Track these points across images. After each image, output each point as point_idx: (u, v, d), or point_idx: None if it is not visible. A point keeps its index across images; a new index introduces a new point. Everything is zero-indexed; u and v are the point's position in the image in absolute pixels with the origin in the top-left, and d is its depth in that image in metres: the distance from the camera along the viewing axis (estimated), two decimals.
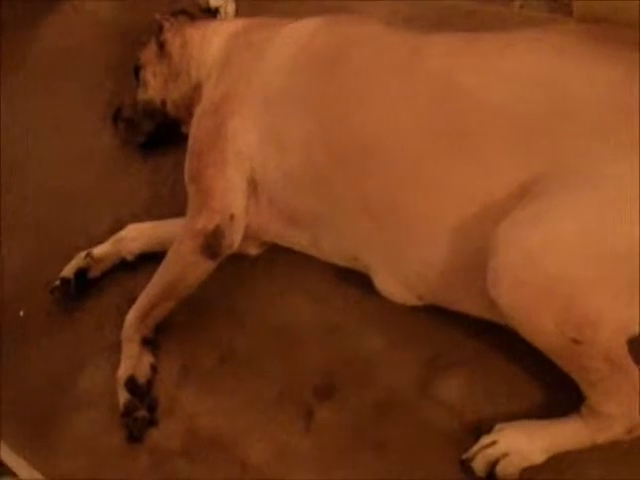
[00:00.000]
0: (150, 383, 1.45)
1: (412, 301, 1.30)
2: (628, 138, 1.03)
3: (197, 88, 1.56)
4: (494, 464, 1.18)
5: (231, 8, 1.93)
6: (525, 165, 1.09)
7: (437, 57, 1.22)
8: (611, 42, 1.15)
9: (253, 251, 1.52)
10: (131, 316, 1.45)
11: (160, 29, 1.67)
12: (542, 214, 1.05)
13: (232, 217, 1.36)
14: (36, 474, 1.41)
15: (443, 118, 1.17)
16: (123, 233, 1.62)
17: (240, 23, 1.57)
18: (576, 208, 1.03)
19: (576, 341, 1.04)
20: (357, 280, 1.38)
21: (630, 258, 1.01)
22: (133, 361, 1.44)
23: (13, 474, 1.41)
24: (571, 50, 1.15)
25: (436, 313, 1.31)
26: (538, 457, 1.17)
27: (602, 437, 1.13)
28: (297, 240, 1.41)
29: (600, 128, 1.06)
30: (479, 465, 1.19)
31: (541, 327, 1.05)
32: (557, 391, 1.22)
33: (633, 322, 1.08)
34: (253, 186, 1.38)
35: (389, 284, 1.29)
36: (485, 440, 1.20)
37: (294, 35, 1.40)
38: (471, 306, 1.23)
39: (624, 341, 1.07)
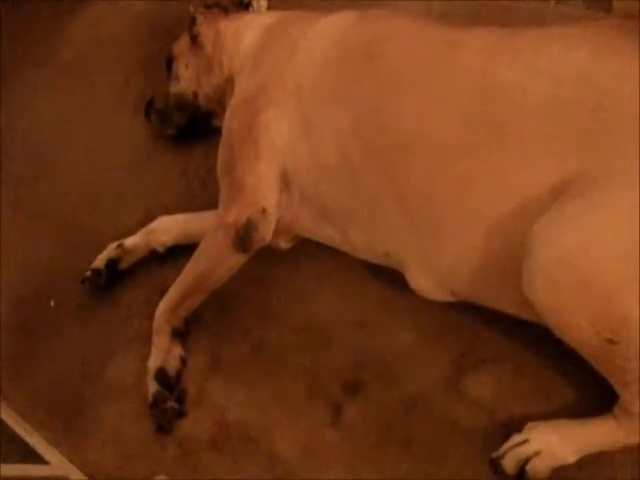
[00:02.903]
0: (179, 375, 1.46)
1: (445, 297, 1.29)
2: None
3: (230, 81, 1.57)
4: (524, 463, 1.18)
5: (264, 2, 1.92)
6: (562, 163, 1.08)
7: (473, 52, 1.21)
8: None
9: (284, 245, 1.51)
10: (162, 308, 1.46)
11: (193, 22, 1.67)
12: (579, 213, 1.03)
13: (264, 211, 1.36)
14: (66, 463, 1.43)
15: (480, 114, 1.16)
16: (154, 225, 1.63)
17: (274, 16, 1.57)
18: (612, 207, 1.02)
19: (612, 341, 1.03)
20: (387, 276, 1.37)
21: None
22: (163, 352, 1.45)
23: (42, 461, 1.43)
24: (609, 46, 1.13)
25: (466, 310, 1.31)
26: (570, 457, 1.16)
27: (634, 439, 1.12)
28: (328, 235, 1.41)
29: (638, 125, 1.04)
30: (509, 464, 1.19)
31: (576, 327, 1.04)
32: (589, 391, 1.22)
33: None
34: (285, 180, 1.38)
35: (422, 280, 1.28)
36: (516, 438, 1.20)
37: (328, 29, 1.39)
38: (504, 303, 1.22)
39: None
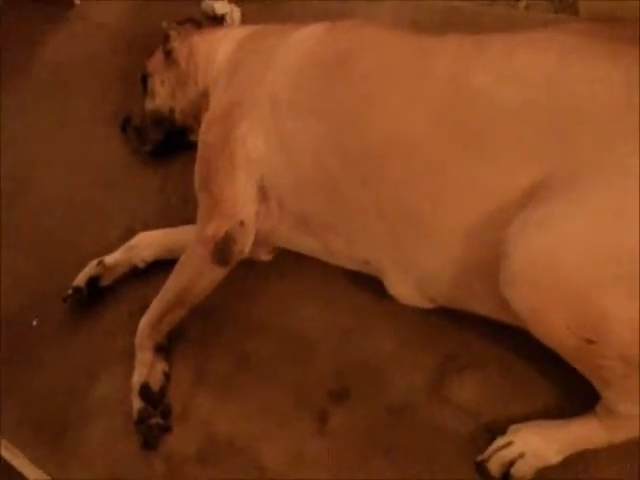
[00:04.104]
0: (164, 390, 1.45)
1: (425, 304, 1.30)
2: (637, 136, 1.03)
3: (205, 95, 1.57)
4: (509, 465, 1.18)
5: (237, 15, 1.93)
6: (536, 166, 1.09)
7: (446, 59, 1.22)
8: (618, 40, 1.14)
9: (264, 257, 1.52)
10: (143, 323, 1.46)
11: (167, 38, 1.68)
12: (554, 215, 1.04)
13: (242, 223, 1.37)
14: None
15: (454, 120, 1.17)
16: (134, 241, 1.63)
17: (247, 30, 1.58)
18: (587, 208, 1.03)
19: (590, 341, 1.04)
20: (369, 284, 1.38)
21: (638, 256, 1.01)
22: (146, 368, 1.44)
23: None
24: (579, 49, 1.14)
25: (448, 315, 1.32)
26: (554, 457, 1.17)
27: (618, 436, 1.13)
28: (308, 245, 1.41)
29: (610, 127, 1.06)
30: (494, 466, 1.19)
31: (555, 328, 1.05)
32: (571, 391, 1.22)
33: None
34: (263, 192, 1.38)
35: (401, 287, 1.29)
36: (500, 441, 1.20)
37: (301, 41, 1.40)
38: (484, 308, 1.23)
39: (638, 340, 1.07)
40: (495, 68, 1.17)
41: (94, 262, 1.63)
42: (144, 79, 1.74)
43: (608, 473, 1.17)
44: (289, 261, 1.51)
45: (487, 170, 1.13)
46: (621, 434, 1.13)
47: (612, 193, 1.02)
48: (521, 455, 1.17)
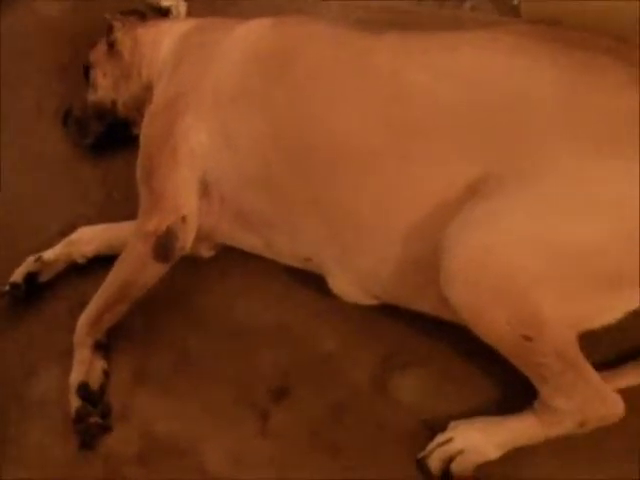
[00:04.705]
0: (103, 388, 1.42)
1: (366, 300, 1.30)
2: (576, 136, 1.05)
3: (148, 88, 1.55)
4: (449, 461, 1.19)
5: (183, 8, 1.91)
6: (475, 164, 1.10)
7: (387, 56, 1.22)
8: (557, 42, 1.16)
9: (206, 253, 1.50)
10: (82, 320, 1.42)
11: (110, 29, 1.64)
12: (492, 213, 1.06)
13: (184, 219, 1.35)
14: None
15: (394, 118, 1.18)
16: (74, 236, 1.59)
17: (192, 23, 1.56)
18: (526, 206, 1.04)
19: (527, 338, 1.05)
20: (311, 281, 1.38)
21: (580, 254, 1.03)
22: (85, 366, 1.41)
23: None
24: (520, 50, 1.16)
25: (390, 312, 1.32)
26: (493, 453, 1.18)
27: (555, 431, 1.15)
28: (250, 241, 1.40)
29: (549, 127, 1.08)
30: (434, 463, 1.20)
31: (493, 324, 1.06)
32: (511, 388, 1.23)
33: (583, 318, 1.11)
34: (205, 187, 1.37)
35: (343, 284, 1.29)
36: (440, 438, 1.21)
37: (245, 36, 1.39)
38: (425, 305, 1.24)
39: (574, 337, 1.10)
40: (437, 66, 1.18)
41: (32, 258, 1.58)
42: (86, 70, 1.71)
43: (545, 468, 1.19)
44: (232, 257, 1.49)
45: (426, 168, 1.14)
46: (557, 429, 1.14)
47: (548, 192, 1.04)
48: (461, 451, 1.18)
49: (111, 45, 1.64)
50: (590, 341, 1.12)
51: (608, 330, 1.13)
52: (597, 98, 1.07)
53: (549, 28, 1.24)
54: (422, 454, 1.22)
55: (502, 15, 1.63)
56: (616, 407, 1.12)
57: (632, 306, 1.12)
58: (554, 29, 1.23)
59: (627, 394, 1.14)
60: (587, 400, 1.11)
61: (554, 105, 1.09)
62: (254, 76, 1.33)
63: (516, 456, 1.18)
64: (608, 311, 1.12)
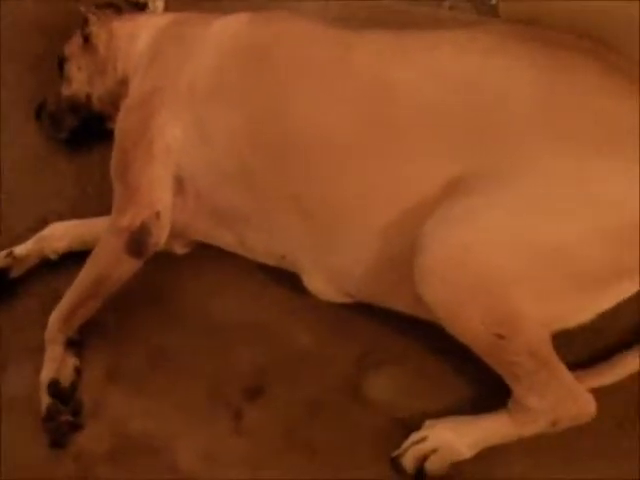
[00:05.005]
0: (74, 386, 1.40)
1: (341, 299, 1.29)
2: (555, 136, 1.06)
3: (123, 83, 1.52)
4: (423, 460, 1.19)
5: (160, 3, 1.89)
6: (453, 162, 1.10)
7: (367, 53, 1.22)
8: (536, 42, 1.17)
9: (180, 250, 1.49)
10: (54, 317, 1.41)
11: (85, 22, 1.62)
12: (470, 211, 1.06)
13: (158, 214, 1.33)
14: None
15: (372, 115, 1.17)
16: (47, 231, 1.56)
17: (168, 18, 1.54)
18: (504, 205, 1.05)
19: (501, 336, 1.06)
20: (286, 279, 1.37)
21: (555, 254, 1.04)
22: (56, 364, 1.39)
23: None
24: (500, 50, 1.17)
25: (365, 310, 1.32)
26: (467, 452, 1.18)
27: (528, 431, 1.15)
28: (224, 238, 1.39)
29: (527, 126, 1.08)
30: (408, 462, 1.20)
31: (467, 323, 1.07)
32: (485, 387, 1.24)
33: (558, 318, 1.11)
34: (180, 182, 1.35)
35: (318, 282, 1.29)
36: (414, 437, 1.21)
37: (223, 30, 1.38)
38: (400, 303, 1.24)
39: (548, 336, 1.10)
40: (417, 64, 1.18)
41: (3, 253, 1.55)
42: (61, 64, 1.68)
43: (518, 466, 1.20)
44: (207, 255, 1.48)
45: (405, 166, 1.14)
46: (530, 429, 1.14)
47: (527, 192, 1.04)
48: (435, 450, 1.18)
49: (86, 38, 1.61)
50: (564, 341, 1.13)
51: (582, 330, 1.14)
52: (575, 98, 1.08)
53: (528, 28, 1.25)
54: (396, 453, 1.22)
55: (480, 15, 1.63)
56: (588, 407, 1.13)
57: (606, 306, 1.13)
58: (533, 29, 1.24)
59: (599, 394, 1.15)
60: (560, 399, 1.11)
61: (533, 105, 1.09)
62: (231, 71, 1.32)
63: (490, 454, 1.18)
64: (582, 311, 1.13)
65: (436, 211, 1.08)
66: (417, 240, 1.08)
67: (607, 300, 1.13)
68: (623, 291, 1.12)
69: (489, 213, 1.05)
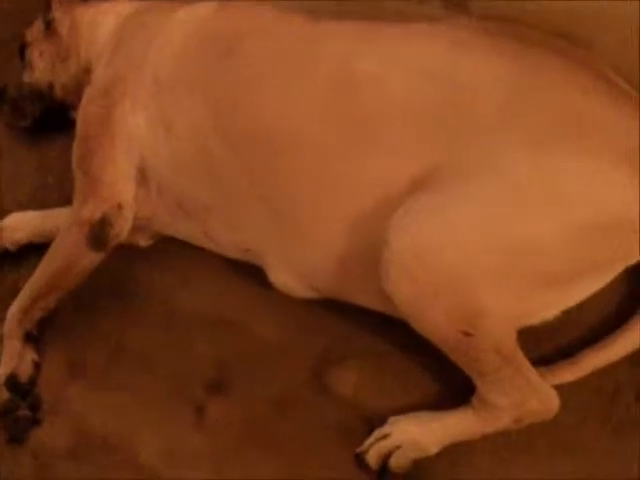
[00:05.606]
0: (33, 381, 1.38)
1: (306, 294, 1.28)
2: (524, 131, 1.05)
3: (87, 70, 1.49)
4: (387, 456, 1.19)
5: None
6: (420, 156, 1.09)
7: (335, 44, 1.20)
8: (504, 37, 1.16)
9: (143, 242, 1.47)
10: (13, 310, 1.38)
11: (48, 7, 1.58)
12: (435, 206, 1.05)
13: (120, 206, 1.31)
14: None
15: (338, 107, 1.16)
16: (5, 222, 1.53)
17: (134, 5, 1.50)
18: (470, 201, 1.04)
19: (466, 333, 1.05)
20: (250, 273, 1.35)
21: (522, 251, 1.03)
22: (14, 358, 1.37)
23: None
24: (467, 44, 1.16)
25: (331, 306, 1.30)
26: (431, 448, 1.18)
27: (491, 427, 1.15)
28: (188, 231, 1.37)
29: (496, 121, 1.07)
30: (372, 458, 1.20)
31: (432, 319, 1.06)
32: (450, 383, 1.24)
33: (523, 314, 1.11)
34: (142, 174, 1.33)
35: (283, 276, 1.27)
36: (378, 433, 1.21)
37: (188, 18, 1.35)
38: (366, 299, 1.23)
39: (514, 333, 1.10)
40: (385, 56, 1.17)
41: None
42: (22, 50, 1.64)
43: (481, 463, 1.20)
44: (171, 248, 1.46)
45: (372, 159, 1.13)
46: (494, 425, 1.15)
47: (494, 188, 1.04)
48: (399, 446, 1.18)
49: (48, 24, 1.57)
50: (528, 337, 1.13)
51: (546, 326, 1.14)
52: (544, 94, 1.08)
53: (497, 24, 1.24)
54: (360, 449, 1.22)
55: (448, 9, 1.63)
56: (552, 403, 1.13)
57: (571, 303, 1.13)
58: (502, 25, 1.23)
59: (562, 390, 1.15)
60: (524, 396, 1.11)
61: (501, 100, 1.08)
62: (197, 60, 1.30)
63: (453, 451, 1.18)
64: (548, 307, 1.13)
65: (402, 206, 1.07)
66: (383, 235, 1.07)
67: (572, 297, 1.13)
68: (588, 288, 1.13)
69: (456, 209, 1.04)
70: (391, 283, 1.07)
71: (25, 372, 1.37)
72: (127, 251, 1.42)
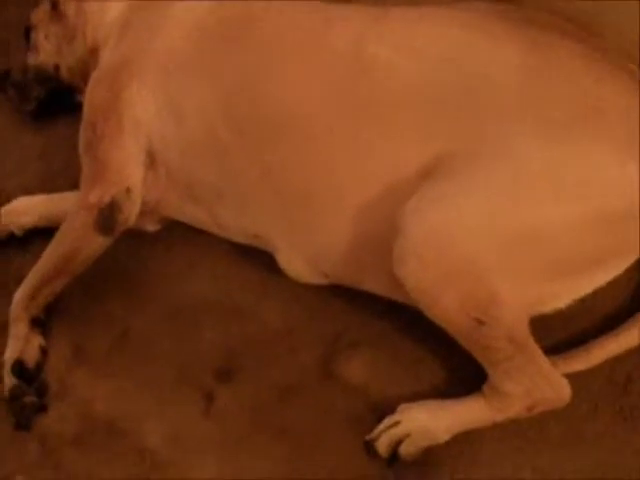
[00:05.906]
0: (40, 366, 1.37)
1: (317, 280, 1.27)
2: (537, 118, 1.04)
3: (94, 53, 1.47)
4: (397, 444, 1.18)
5: None
6: (433, 142, 1.09)
7: (348, 29, 1.19)
8: (518, 21, 1.15)
9: (151, 227, 1.46)
10: (19, 295, 1.37)
11: None
12: (448, 193, 1.05)
13: (128, 190, 1.30)
14: None
15: (349, 93, 1.15)
16: (12, 206, 1.52)
17: None
18: (483, 188, 1.04)
19: (480, 321, 1.05)
20: (259, 259, 1.35)
21: (535, 238, 1.03)
22: (21, 343, 1.36)
23: None
24: (480, 28, 1.15)
25: (340, 292, 1.30)
26: (441, 436, 1.18)
27: (502, 415, 1.15)
28: (196, 216, 1.36)
29: (509, 108, 1.07)
30: (382, 446, 1.19)
31: (445, 307, 1.05)
32: (461, 371, 1.23)
33: (536, 302, 1.11)
34: (151, 157, 1.31)
35: (293, 262, 1.26)
36: (388, 420, 1.20)
37: (198, 2, 1.33)
38: (377, 285, 1.22)
39: (526, 321, 1.10)
40: (397, 40, 1.16)
41: None
42: (27, 32, 1.62)
43: (490, 451, 1.20)
44: (178, 233, 1.45)
45: (384, 145, 1.12)
46: (505, 413, 1.14)
47: (507, 175, 1.03)
48: (409, 434, 1.18)
49: (54, 5, 1.55)
50: (540, 326, 1.13)
51: (558, 315, 1.14)
52: (558, 80, 1.07)
53: (510, 7, 1.23)
54: (370, 437, 1.21)
55: None
56: (564, 392, 1.13)
57: (583, 292, 1.13)
58: (515, 8, 1.22)
59: (574, 379, 1.15)
60: (536, 384, 1.11)
61: (514, 85, 1.08)
62: (207, 44, 1.28)
63: (462, 440, 1.18)
64: (560, 296, 1.13)
65: (414, 192, 1.06)
66: (396, 221, 1.06)
67: (584, 286, 1.13)
68: (601, 277, 1.13)
69: (470, 196, 1.04)
70: (404, 269, 1.06)
71: (32, 358, 1.37)
72: (134, 237, 1.41)
